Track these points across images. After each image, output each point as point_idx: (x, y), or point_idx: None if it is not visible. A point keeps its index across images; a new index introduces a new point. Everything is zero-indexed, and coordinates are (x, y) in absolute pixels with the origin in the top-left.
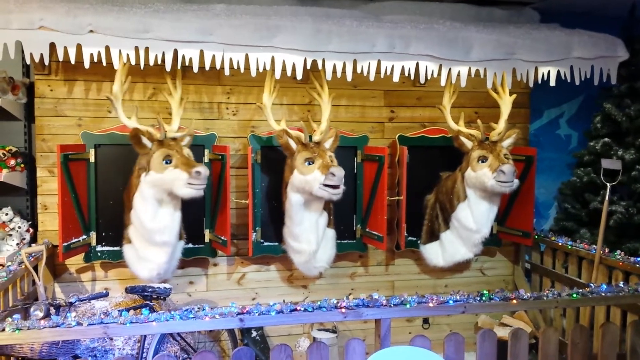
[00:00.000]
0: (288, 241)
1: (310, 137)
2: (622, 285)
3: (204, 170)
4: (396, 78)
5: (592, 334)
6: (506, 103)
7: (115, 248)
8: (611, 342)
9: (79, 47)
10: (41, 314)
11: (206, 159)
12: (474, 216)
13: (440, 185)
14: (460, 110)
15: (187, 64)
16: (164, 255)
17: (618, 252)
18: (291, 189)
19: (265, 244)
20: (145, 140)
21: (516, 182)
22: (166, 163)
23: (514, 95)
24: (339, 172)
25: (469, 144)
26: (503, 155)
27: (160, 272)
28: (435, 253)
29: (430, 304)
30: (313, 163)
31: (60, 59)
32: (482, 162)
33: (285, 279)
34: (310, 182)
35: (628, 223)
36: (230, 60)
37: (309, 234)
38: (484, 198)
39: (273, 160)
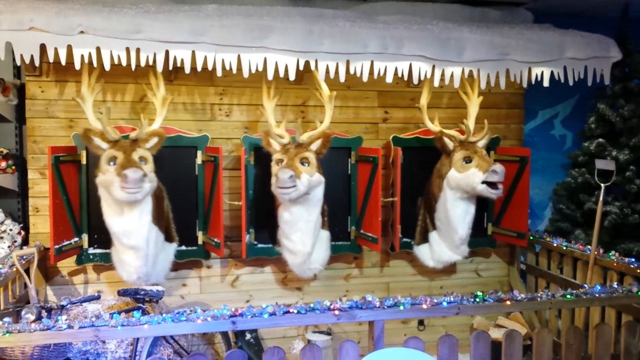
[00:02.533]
0: (283, 242)
1: (294, 138)
2: (616, 286)
3: (131, 173)
4: (389, 79)
5: (587, 335)
6: (474, 104)
7: (107, 250)
8: (605, 343)
9: (69, 48)
10: (32, 317)
11: (199, 160)
12: (450, 217)
13: (426, 186)
14: (453, 111)
15: (178, 64)
16: (136, 259)
17: (612, 252)
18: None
19: (259, 245)
20: (98, 141)
21: (501, 188)
22: (112, 164)
23: (481, 97)
24: (282, 174)
25: (451, 144)
26: (484, 156)
27: (140, 276)
28: (427, 254)
29: (424, 306)
30: (280, 164)
31: (51, 60)
32: (467, 162)
33: (280, 281)
34: (273, 183)
35: (622, 224)
36: (223, 61)
37: (304, 235)
38: (462, 199)
39: (267, 162)
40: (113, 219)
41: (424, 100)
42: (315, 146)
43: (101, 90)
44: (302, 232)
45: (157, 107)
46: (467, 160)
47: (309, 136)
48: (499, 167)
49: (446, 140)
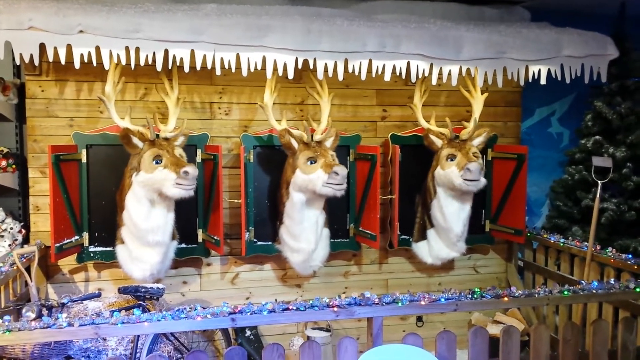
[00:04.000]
0: (286, 240)
1: (312, 136)
2: (613, 282)
3: (192, 170)
4: (387, 77)
5: (584, 331)
6: (477, 102)
7: (108, 248)
8: (602, 339)
9: (69, 48)
10: (33, 315)
11: (199, 158)
12: (444, 215)
13: (423, 184)
14: (451, 109)
15: (178, 63)
16: (156, 255)
17: (609, 249)
18: (293, 188)
19: (259, 243)
20: (136, 141)
21: (483, 180)
22: (156, 163)
23: (486, 94)
24: (342, 171)
25: (438, 142)
26: (472, 154)
27: (153, 273)
28: (425, 251)
29: (422, 302)
30: (315, 162)
31: (51, 59)
32: (451, 160)
33: (279, 278)
34: (314, 180)
35: (619, 220)
36: (222, 60)
37: (309, 233)
38: (454, 197)
39: (266, 160)
40: (142, 216)
41: (417, 99)
42: (329, 143)
43: (122, 89)
44: (307, 230)
45: (171, 107)
46: (451, 157)
47: (322, 134)
48: (472, 165)
49: (433, 138)
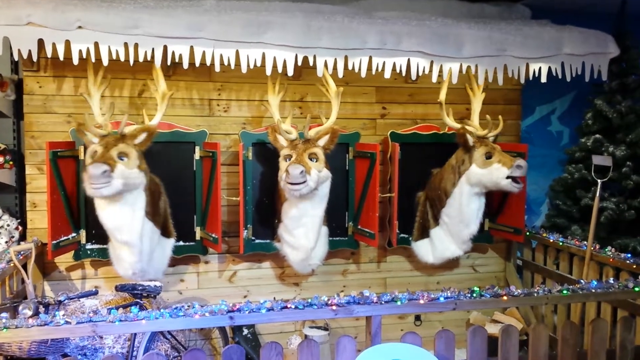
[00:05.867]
0: (286, 238)
1: (302, 134)
2: (612, 282)
3: (93, 169)
4: (387, 74)
5: (583, 330)
6: (477, 100)
7: (105, 246)
8: (601, 338)
9: (67, 43)
10: (30, 313)
11: (197, 156)
12: (463, 212)
13: (430, 182)
14: (450, 107)
15: (177, 60)
16: (131, 255)
17: (609, 248)
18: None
19: (257, 241)
20: (89, 136)
21: (521, 182)
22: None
23: (484, 94)
24: (293, 170)
25: (471, 140)
26: (502, 151)
27: (135, 272)
28: (426, 250)
29: (421, 301)
30: (289, 160)
31: (49, 55)
32: (488, 158)
33: (277, 276)
34: (282, 178)
35: (619, 219)
36: (221, 56)
37: (309, 231)
38: (477, 195)
39: (265, 157)
40: (105, 214)
41: (443, 96)
42: (322, 142)
43: (108, 85)
44: (307, 228)
45: (158, 102)
46: (488, 156)
47: (317, 132)
48: (522, 162)
49: (468, 136)
